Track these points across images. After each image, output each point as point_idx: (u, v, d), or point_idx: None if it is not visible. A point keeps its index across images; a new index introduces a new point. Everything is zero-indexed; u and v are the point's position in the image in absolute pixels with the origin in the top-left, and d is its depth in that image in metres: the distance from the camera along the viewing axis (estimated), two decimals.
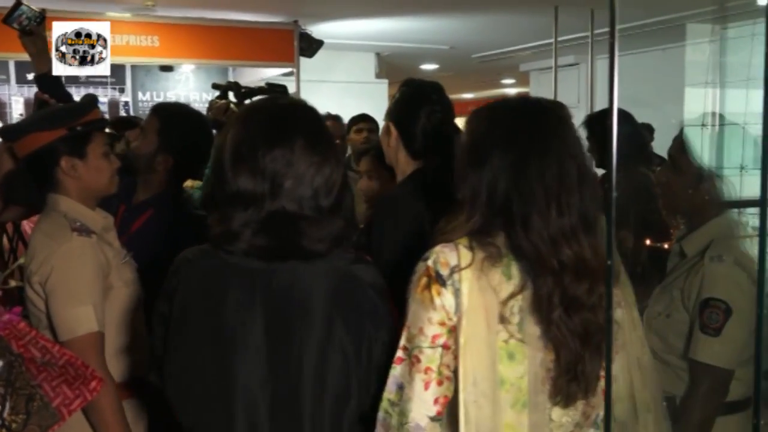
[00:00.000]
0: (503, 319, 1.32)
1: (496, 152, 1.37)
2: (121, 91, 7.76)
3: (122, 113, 7.24)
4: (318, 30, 6.38)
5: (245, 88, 2.99)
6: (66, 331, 1.80)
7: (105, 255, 1.90)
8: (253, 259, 1.38)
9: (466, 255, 1.34)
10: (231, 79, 8.08)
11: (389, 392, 1.36)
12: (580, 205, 1.35)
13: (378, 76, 8.82)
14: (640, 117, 3.76)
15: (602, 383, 1.37)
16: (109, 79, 7.64)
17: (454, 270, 1.33)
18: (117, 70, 7.59)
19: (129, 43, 5.54)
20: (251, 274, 1.38)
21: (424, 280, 1.35)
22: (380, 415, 1.37)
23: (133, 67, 7.59)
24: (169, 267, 1.48)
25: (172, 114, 2.48)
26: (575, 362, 1.33)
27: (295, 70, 6.03)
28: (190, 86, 7.96)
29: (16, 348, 1.63)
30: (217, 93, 3.00)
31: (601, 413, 1.39)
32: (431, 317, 1.33)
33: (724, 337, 1.91)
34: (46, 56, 2.53)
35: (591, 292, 1.34)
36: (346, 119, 5.04)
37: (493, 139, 1.39)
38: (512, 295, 1.32)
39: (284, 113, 1.45)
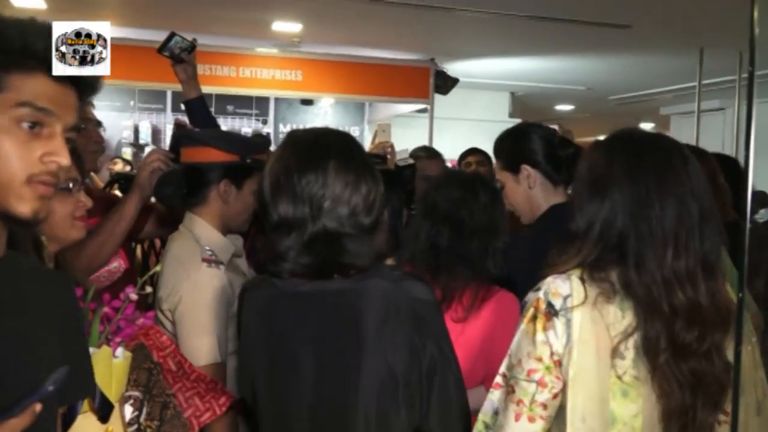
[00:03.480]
0: (616, 354, 1.28)
1: (615, 187, 1.35)
2: (264, 122, 8.19)
3: None
4: (453, 68, 6.47)
5: None
6: (190, 359, 1.88)
7: (231, 285, 1.97)
8: (301, 280, 1.44)
9: (579, 288, 1.32)
10: (366, 113, 8.35)
11: (485, 414, 1.39)
12: (700, 247, 1.30)
13: (511, 115, 8.77)
14: None
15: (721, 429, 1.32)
16: (254, 111, 8.08)
17: (566, 300, 1.31)
18: (261, 102, 8.04)
19: (274, 77, 5.84)
20: (300, 297, 1.46)
21: (531, 311, 1.35)
22: None
23: (276, 99, 8.00)
24: None
25: None
26: (683, 411, 1.27)
27: (429, 107, 6.12)
28: (328, 120, 8.27)
29: (156, 357, 1.76)
30: None
31: None
32: (530, 351, 1.33)
33: None
34: (195, 83, 2.70)
35: (702, 340, 1.28)
36: None
37: (614, 174, 1.36)
38: (626, 332, 1.29)
39: (316, 139, 1.51)
